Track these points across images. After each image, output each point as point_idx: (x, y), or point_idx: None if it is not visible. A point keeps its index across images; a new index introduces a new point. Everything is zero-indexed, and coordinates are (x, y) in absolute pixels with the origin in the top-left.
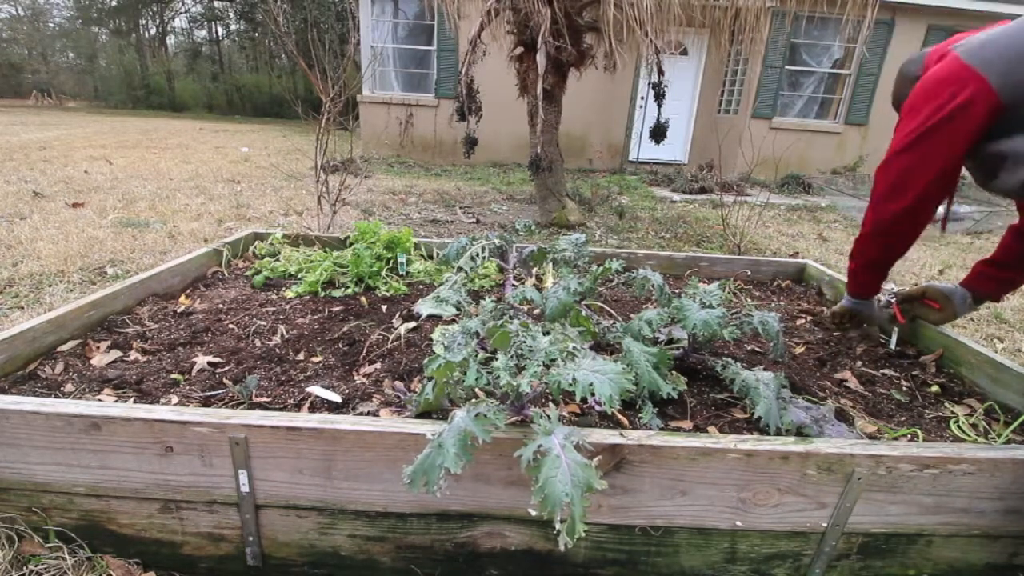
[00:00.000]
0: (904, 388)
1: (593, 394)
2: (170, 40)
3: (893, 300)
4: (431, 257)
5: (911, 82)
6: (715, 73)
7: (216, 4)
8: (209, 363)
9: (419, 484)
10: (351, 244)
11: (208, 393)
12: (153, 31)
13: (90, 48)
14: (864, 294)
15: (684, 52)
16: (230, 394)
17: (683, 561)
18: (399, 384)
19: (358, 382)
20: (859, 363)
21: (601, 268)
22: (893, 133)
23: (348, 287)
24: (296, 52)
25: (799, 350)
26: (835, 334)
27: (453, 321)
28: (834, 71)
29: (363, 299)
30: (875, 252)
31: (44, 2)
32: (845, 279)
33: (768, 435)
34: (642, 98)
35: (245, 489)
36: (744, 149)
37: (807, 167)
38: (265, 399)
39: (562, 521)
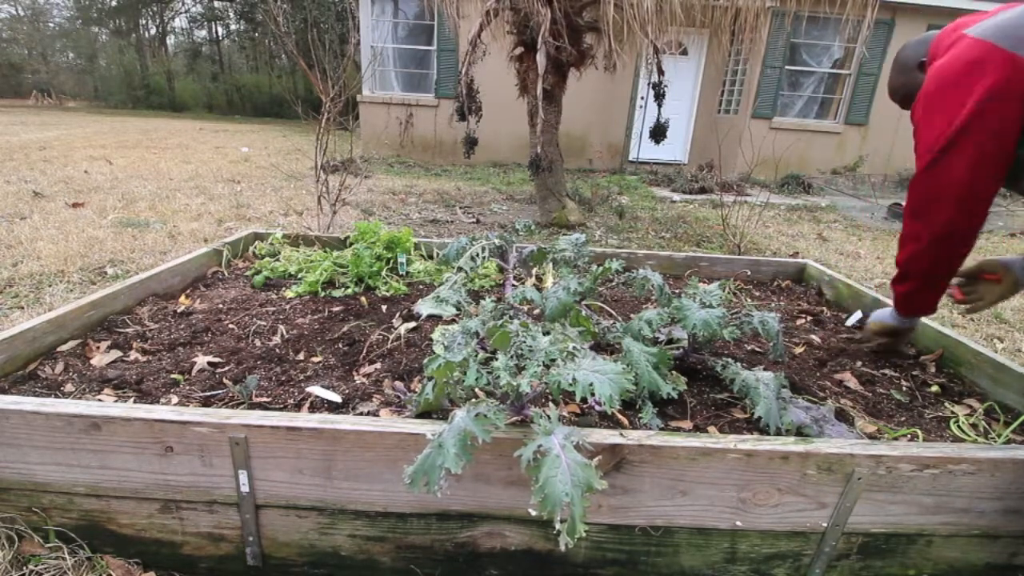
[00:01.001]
0: (904, 388)
1: (593, 394)
2: (170, 40)
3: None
4: (431, 257)
5: (911, 69)
6: (715, 73)
7: (216, 4)
8: (209, 363)
9: (420, 484)
10: (351, 244)
11: (208, 393)
12: (153, 31)
13: (90, 48)
14: (925, 313)
15: (684, 52)
16: (230, 394)
17: (683, 561)
18: (399, 384)
19: (358, 382)
20: (859, 363)
21: (601, 268)
22: (916, 134)
23: (348, 287)
24: (296, 52)
25: (799, 350)
26: (869, 348)
27: (453, 321)
28: (834, 71)
29: (363, 299)
30: (937, 267)
31: (44, 2)
32: (845, 279)
33: (768, 435)
34: (642, 98)
35: (245, 489)
36: (744, 149)
37: (807, 167)
38: (265, 399)
39: (562, 521)
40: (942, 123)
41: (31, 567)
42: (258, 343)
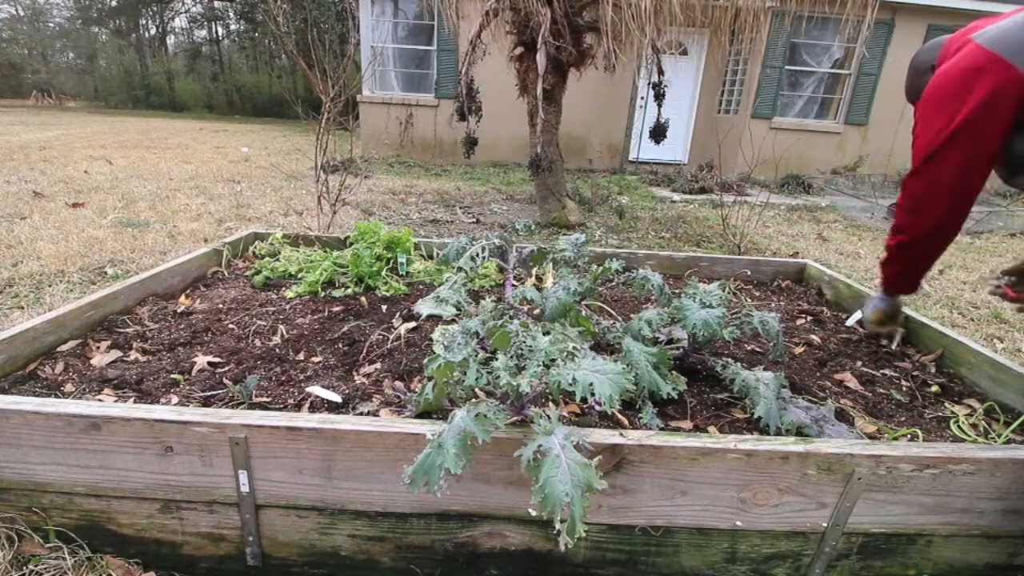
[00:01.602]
0: (904, 388)
1: (593, 394)
2: (170, 40)
3: (1001, 281)
4: (431, 257)
5: (925, 72)
6: (715, 73)
7: (216, 4)
8: (209, 363)
9: (419, 484)
10: (351, 244)
11: (208, 393)
12: (153, 31)
13: (90, 48)
14: (908, 292)
15: (684, 52)
16: (230, 394)
17: (683, 561)
18: (399, 384)
19: (358, 382)
20: (859, 363)
21: (601, 268)
22: (914, 133)
23: (348, 287)
24: (296, 52)
25: (799, 350)
26: (876, 338)
27: (453, 321)
28: (834, 71)
29: (363, 299)
30: (923, 258)
31: (44, 2)
32: (845, 279)
33: (768, 435)
34: (642, 98)
35: (245, 489)
36: (744, 149)
37: (807, 167)
38: (265, 399)
39: (562, 521)
40: (937, 126)
41: (31, 567)
42: (258, 343)
